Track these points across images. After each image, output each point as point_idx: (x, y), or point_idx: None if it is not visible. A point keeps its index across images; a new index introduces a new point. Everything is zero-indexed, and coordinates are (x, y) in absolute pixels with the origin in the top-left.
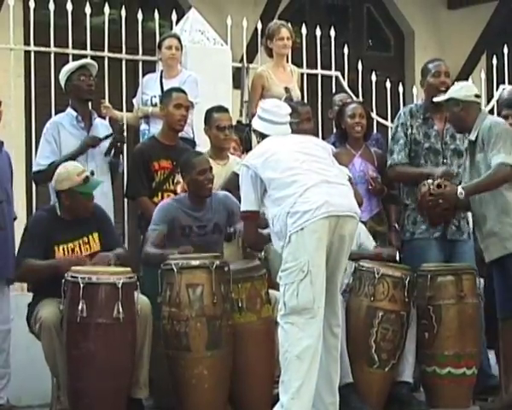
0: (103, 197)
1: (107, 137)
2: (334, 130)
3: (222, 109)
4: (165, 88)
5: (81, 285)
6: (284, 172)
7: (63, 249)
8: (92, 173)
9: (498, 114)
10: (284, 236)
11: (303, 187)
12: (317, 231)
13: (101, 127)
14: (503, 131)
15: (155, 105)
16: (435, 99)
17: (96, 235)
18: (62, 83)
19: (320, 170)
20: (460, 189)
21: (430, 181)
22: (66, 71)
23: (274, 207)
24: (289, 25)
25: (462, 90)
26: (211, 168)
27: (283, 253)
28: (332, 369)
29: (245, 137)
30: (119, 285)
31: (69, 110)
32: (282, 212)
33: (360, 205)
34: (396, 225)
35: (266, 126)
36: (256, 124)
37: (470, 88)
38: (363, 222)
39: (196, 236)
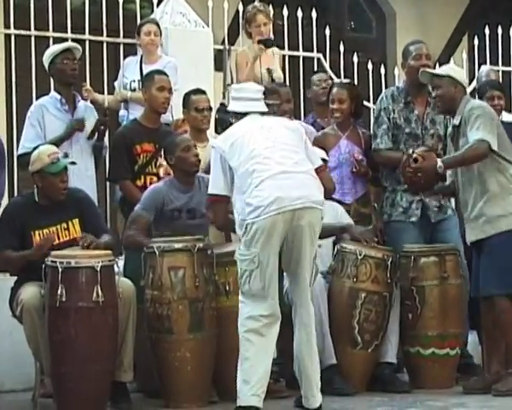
0: (88, 181)
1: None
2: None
3: (199, 91)
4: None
5: (60, 270)
6: (246, 161)
7: (39, 235)
8: (73, 163)
9: (481, 96)
10: (243, 224)
11: (259, 178)
12: (267, 228)
13: (86, 110)
14: (485, 112)
15: (134, 90)
16: (434, 71)
17: (76, 221)
18: (46, 65)
19: (281, 158)
20: (439, 162)
21: (410, 151)
22: (49, 54)
23: (236, 194)
24: (270, 7)
25: (460, 72)
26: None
27: (241, 239)
28: (307, 360)
29: (229, 121)
30: (98, 268)
31: (53, 93)
32: (242, 202)
33: (332, 191)
34: (375, 205)
35: (238, 104)
36: (230, 106)
37: (463, 73)
38: (347, 204)
39: (185, 219)
